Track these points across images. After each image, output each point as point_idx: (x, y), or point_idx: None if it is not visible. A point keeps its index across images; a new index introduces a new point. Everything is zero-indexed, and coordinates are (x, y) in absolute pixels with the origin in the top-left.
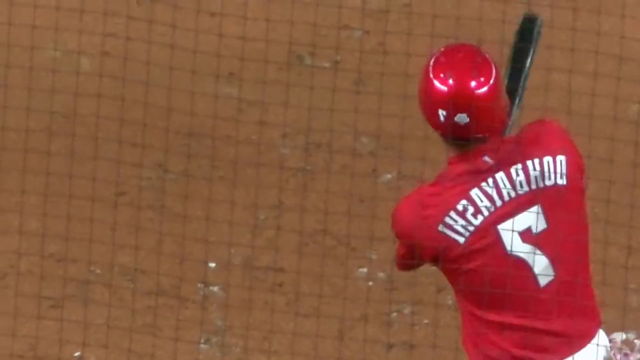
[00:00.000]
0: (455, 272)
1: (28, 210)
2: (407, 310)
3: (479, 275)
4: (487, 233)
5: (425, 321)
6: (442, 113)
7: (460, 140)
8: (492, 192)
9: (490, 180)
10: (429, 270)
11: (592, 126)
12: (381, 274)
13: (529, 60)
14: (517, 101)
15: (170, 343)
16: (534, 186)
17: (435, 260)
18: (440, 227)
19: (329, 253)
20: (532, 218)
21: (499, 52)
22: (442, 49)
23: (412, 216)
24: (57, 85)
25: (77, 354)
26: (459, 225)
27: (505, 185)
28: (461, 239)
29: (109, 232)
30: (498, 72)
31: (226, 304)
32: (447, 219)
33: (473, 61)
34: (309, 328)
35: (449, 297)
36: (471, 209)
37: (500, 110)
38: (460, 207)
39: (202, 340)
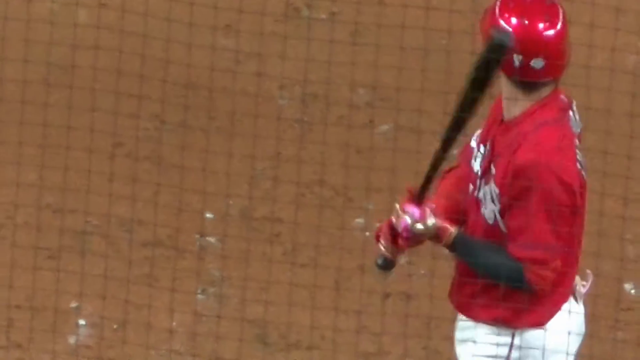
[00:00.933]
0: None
1: (25, 161)
2: (403, 261)
3: (583, 215)
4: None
5: (422, 271)
6: (517, 58)
7: (538, 83)
8: (574, 127)
9: (571, 116)
10: None
11: (589, 77)
12: (378, 225)
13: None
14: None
15: (167, 294)
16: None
17: (576, 203)
18: (578, 165)
19: (326, 204)
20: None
21: None
22: None
23: (566, 160)
24: (54, 37)
25: (73, 304)
26: (580, 159)
27: (577, 121)
28: (584, 173)
29: (106, 184)
30: (565, 14)
31: (223, 255)
32: (578, 156)
33: (542, 3)
34: (306, 278)
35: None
36: (577, 143)
37: (569, 51)
38: (577, 142)
39: (199, 291)
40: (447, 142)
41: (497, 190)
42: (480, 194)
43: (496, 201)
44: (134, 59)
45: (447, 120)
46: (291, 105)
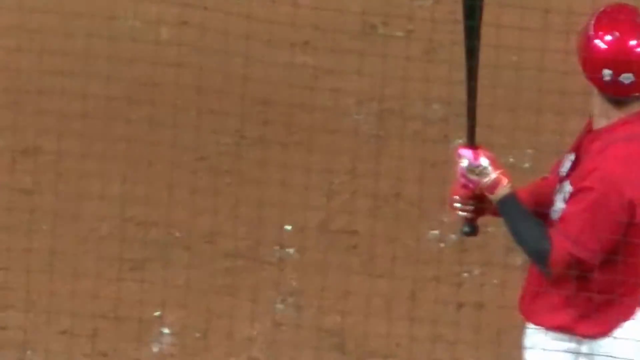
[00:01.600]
0: None
1: (110, 175)
2: (476, 271)
3: None
4: None
5: (495, 281)
6: (607, 72)
7: (627, 98)
8: None
9: None
10: (498, 232)
11: None
12: (452, 236)
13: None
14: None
15: (248, 304)
16: None
17: (637, 219)
18: None
19: (402, 216)
20: None
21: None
22: (603, 10)
23: (637, 176)
24: (137, 54)
25: (157, 314)
26: None
27: None
28: None
29: (188, 197)
30: None
31: (302, 266)
32: None
33: (634, 21)
34: (382, 289)
35: (518, 259)
36: None
37: None
38: None
39: (278, 301)
40: (470, 72)
41: (570, 190)
42: (556, 194)
43: (566, 200)
44: (215, 75)
45: (516, 135)
46: (368, 120)
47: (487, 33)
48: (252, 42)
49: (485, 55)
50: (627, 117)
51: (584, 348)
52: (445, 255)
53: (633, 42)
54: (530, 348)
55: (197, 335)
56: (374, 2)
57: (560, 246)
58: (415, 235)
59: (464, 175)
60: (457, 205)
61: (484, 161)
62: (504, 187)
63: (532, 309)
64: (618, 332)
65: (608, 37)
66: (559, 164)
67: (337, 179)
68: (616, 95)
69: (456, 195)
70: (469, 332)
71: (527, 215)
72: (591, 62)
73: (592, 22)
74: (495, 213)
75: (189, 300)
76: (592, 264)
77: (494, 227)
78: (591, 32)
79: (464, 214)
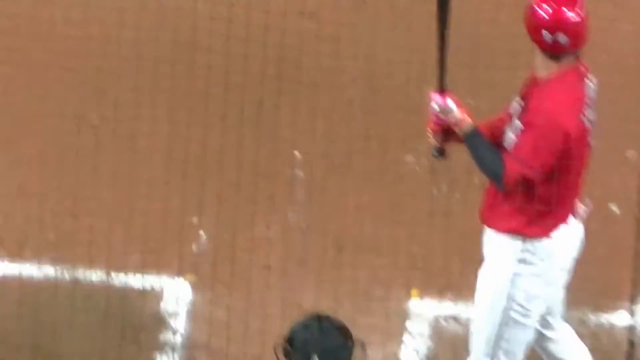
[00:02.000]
0: (577, 152)
1: (158, 136)
2: (444, 188)
3: (583, 155)
4: (589, 121)
5: (458, 196)
6: (546, 34)
7: (562, 54)
8: (589, 91)
9: (587, 82)
10: (461, 158)
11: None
12: (425, 162)
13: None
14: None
15: (266, 213)
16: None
17: (570, 145)
18: (582, 116)
19: (388, 146)
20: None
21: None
22: None
23: (570, 113)
24: (177, 59)
25: (195, 219)
26: (586, 114)
27: (592, 86)
28: (587, 124)
29: (219, 148)
30: (584, 3)
31: (309, 184)
32: (584, 110)
33: None
34: (372, 201)
35: (477, 178)
36: (588, 102)
37: (587, 31)
38: (587, 101)
39: (290, 211)
40: (441, 39)
41: (520, 126)
42: (508, 128)
43: (516, 132)
44: (238, 71)
45: (475, 85)
46: (362, 84)
47: (454, 7)
48: (270, 48)
49: (453, 24)
50: (562, 69)
51: (529, 246)
52: (419, 175)
53: (565, 10)
54: (487, 243)
55: (226, 236)
56: None
57: (512, 167)
58: (397, 160)
59: (435, 114)
60: (431, 135)
61: (450, 103)
62: (467, 123)
63: (489, 217)
64: (555, 233)
65: (546, 7)
66: (509, 106)
67: (336, 121)
68: (553, 52)
69: (430, 128)
70: (439, 235)
71: (486, 144)
72: (534, 26)
73: None
74: (459, 140)
75: (221, 209)
76: (536, 180)
77: (457, 154)
78: (534, 3)
79: (436, 142)
